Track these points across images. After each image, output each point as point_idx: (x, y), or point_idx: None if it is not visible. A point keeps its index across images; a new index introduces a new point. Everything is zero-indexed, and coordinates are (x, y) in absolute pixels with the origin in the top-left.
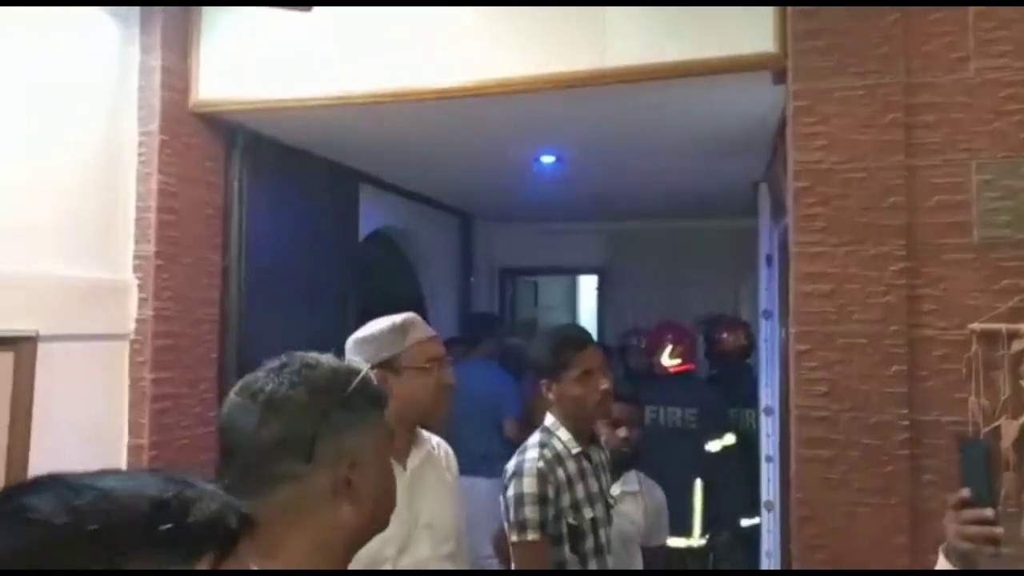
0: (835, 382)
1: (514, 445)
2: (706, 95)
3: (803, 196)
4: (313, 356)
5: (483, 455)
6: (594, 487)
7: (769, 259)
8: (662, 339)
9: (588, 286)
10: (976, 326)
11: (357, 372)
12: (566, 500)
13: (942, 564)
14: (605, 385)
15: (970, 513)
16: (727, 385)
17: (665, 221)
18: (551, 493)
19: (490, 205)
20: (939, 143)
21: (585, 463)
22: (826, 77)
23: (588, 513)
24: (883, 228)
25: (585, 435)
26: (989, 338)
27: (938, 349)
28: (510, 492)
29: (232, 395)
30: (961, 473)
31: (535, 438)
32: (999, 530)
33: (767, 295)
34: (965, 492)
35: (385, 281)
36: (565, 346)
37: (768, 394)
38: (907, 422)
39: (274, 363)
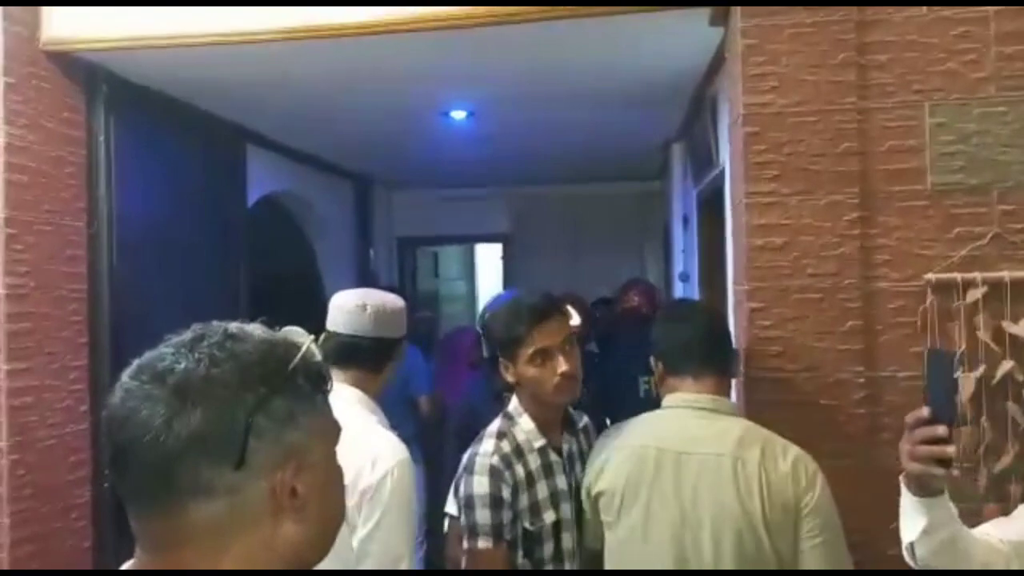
0: (789, 341)
1: (431, 425)
2: (632, 37)
3: (753, 142)
4: (237, 325)
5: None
6: (561, 484)
7: (686, 220)
8: (627, 297)
9: (488, 255)
10: (931, 276)
11: (298, 345)
12: (524, 501)
13: (904, 495)
14: (564, 368)
15: (920, 432)
16: (632, 351)
17: (569, 186)
18: (506, 493)
19: (389, 170)
20: (892, 84)
21: (553, 456)
22: (775, 12)
23: (550, 516)
24: (836, 175)
25: (553, 423)
26: (944, 288)
27: (893, 301)
28: (460, 491)
29: (126, 379)
30: (926, 388)
31: (494, 426)
32: (950, 449)
33: (684, 257)
34: (924, 411)
35: (277, 252)
36: (519, 317)
37: None
38: (863, 379)
39: (185, 335)
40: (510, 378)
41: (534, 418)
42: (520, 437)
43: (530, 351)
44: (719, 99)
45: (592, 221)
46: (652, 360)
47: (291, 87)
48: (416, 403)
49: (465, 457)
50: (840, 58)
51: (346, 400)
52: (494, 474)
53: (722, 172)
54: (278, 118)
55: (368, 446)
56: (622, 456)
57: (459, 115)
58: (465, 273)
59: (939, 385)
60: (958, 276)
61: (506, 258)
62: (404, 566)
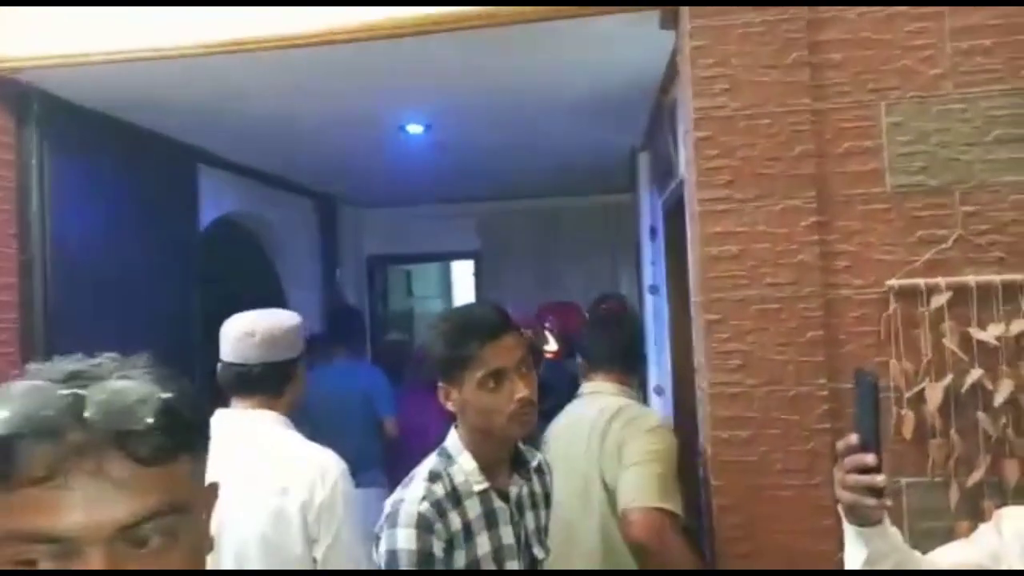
0: (749, 354)
1: (395, 448)
2: (583, 42)
3: (705, 147)
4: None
5: (361, 463)
6: (507, 537)
7: (653, 231)
8: (541, 324)
9: (464, 272)
10: (893, 282)
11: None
12: (460, 558)
13: (845, 525)
14: (522, 393)
15: (850, 460)
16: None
17: (539, 200)
18: (438, 549)
19: (353, 187)
20: (846, 83)
21: (497, 503)
22: (724, 12)
23: None
24: (792, 179)
25: (499, 461)
26: (907, 295)
27: (854, 310)
28: (381, 546)
29: None
30: (854, 412)
31: (426, 466)
32: (880, 478)
33: (653, 269)
34: (853, 438)
35: (236, 275)
36: (466, 335)
37: (658, 374)
38: (826, 392)
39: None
40: (451, 406)
41: (477, 456)
42: (458, 479)
43: (479, 373)
44: (676, 106)
45: (564, 235)
46: (579, 359)
47: (240, 103)
48: (381, 425)
49: (388, 504)
50: (792, 58)
51: (266, 422)
52: (423, 525)
53: (682, 182)
54: (230, 136)
55: (312, 461)
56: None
57: (415, 129)
58: (441, 291)
59: (865, 410)
60: (921, 282)
61: (478, 275)
62: (365, 566)
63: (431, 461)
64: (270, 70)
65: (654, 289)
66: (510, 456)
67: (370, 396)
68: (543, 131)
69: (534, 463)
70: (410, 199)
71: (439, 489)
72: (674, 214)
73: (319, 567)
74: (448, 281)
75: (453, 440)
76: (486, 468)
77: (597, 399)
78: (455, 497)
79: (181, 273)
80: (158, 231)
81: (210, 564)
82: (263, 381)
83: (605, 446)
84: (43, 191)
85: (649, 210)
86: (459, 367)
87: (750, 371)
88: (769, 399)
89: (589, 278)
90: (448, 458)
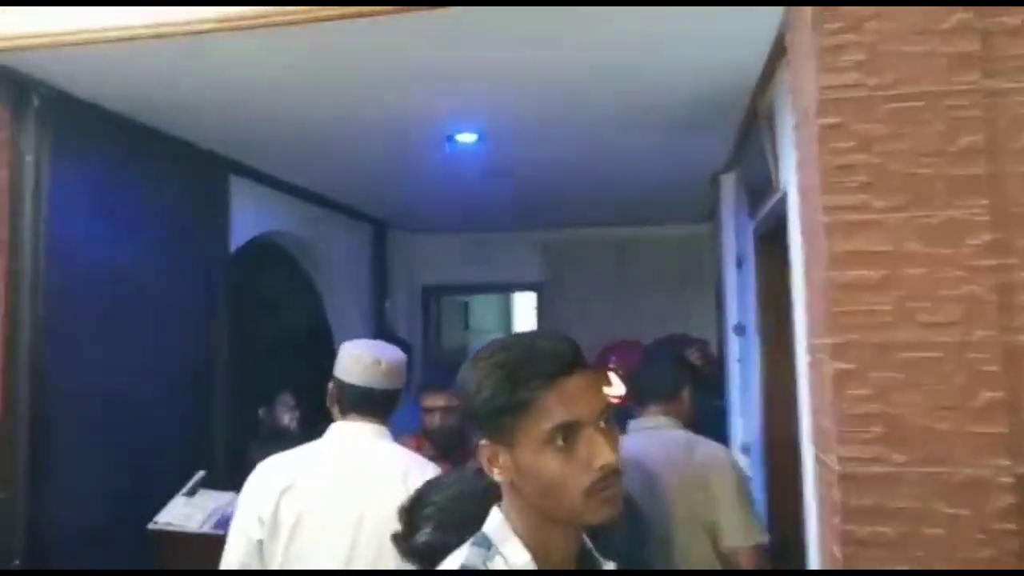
0: (897, 420)
1: None
2: (661, 39)
3: (833, 138)
4: None
5: None
6: None
7: (740, 261)
8: (605, 365)
9: (526, 305)
10: None
11: None
12: None
13: None
14: (605, 458)
15: None
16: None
17: (608, 229)
18: None
19: (403, 209)
20: None
21: None
22: None
23: None
24: (954, 182)
25: (562, 557)
26: None
27: None
28: None
29: None
30: None
31: (456, 559)
32: None
33: (738, 305)
34: None
35: (273, 302)
36: (523, 372)
37: (744, 429)
38: (1009, 478)
39: None
40: (497, 475)
41: (532, 546)
42: None
43: (543, 427)
44: (776, 107)
45: (634, 268)
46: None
47: (273, 107)
48: None
49: None
50: (954, 20)
51: (383, 435)
52: None
53: (784, 197)
54: (264, 145)
55: (427, 467)
56: None
57: (467, 139)
58: (501, 325)
59: None
60: None
61: (541, 308)
62: None
63: (463, 553)
64: (304, 64)
65: (740, 329)
66: (577, 550)
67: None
68: (614, 149)
69: (607, 568)
70: (467, 225)
71: None
72: (769, 239)
73: None
74: (508, 314)
75: (496, 523)
76: (545, 563)
77: (658, 433)
78: None
79: (205, 297)
80: (179, 248)
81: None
82: (384, 404)
83: (692, 479)
84: (39, 194)
85: (735, 238)
86: (511, 417)
87: (898, 444)
88: (927, 485)
89: (660, 316)
90: (488, 548)
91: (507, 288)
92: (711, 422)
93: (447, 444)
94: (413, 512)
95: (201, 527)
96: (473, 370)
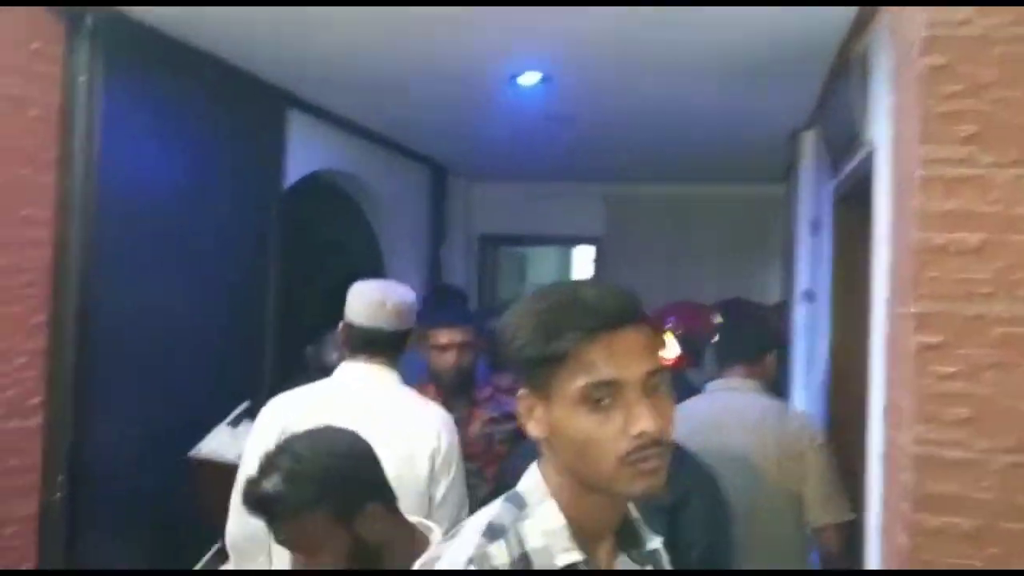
0: (986, 401)
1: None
2: None
3: (938, 80)
4: None
5: None
6: None
7: (815, 225)
8: (661, 325)
9: (585, 259)
10: None
11: None
12: None
13: None
14: (645, 424)
15: None
16: None
17: (675, 185)
18: None
19: (464, 154)
20: None
21: None
22: None
23: None
24: None
25: (603, 525)
26: None
27: None
28: None
29: None
30: None
31: (485, 515)
32: None
33: (810, 271)
34: None
35: (326, 240)
36: (564, 319)
37: (807, 401)
38: None
39: None
40: (534, 429)
41: (569, 510)
42: (532, 542)
43: (580, 383)
44: (871, 54)
45: (700, 227)
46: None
47: (335, 39)
48: None
49: (418, 564)
50: None
51: (391, 378)
52: None
53: (871, 154)
54: (324, 80)
55: (433, 413)
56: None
57: (530, 79)
58: (559, 278)
59: None
60: None
61: (598, 263)
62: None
63: (493, 509)
64: None
65: (809, 295)
66: (620, 518)
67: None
68: (686, 98)
69: (650, 546)
70: (528, 174)
71: (498, 552)
72: (849, 201)
73: (436, 505)
74: (567, 268)
75: (533, 482)
76: (580, 531)
77: (742, 396)
78: (524, 566)
79: (258, 230)
80: (232, 180)
81: None
82: (389, 345)
83: (783, 449)
84: (91, 116)
85: (811, 200)
86: (547, 369)
87: (985, 428)
88: (1012, 476)
89: (724, 278)
90: (521, 508)
91: (566, 241)
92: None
93: (458, 387)
94: (271, 457)
95: (240, 458)
96: (514, 315)
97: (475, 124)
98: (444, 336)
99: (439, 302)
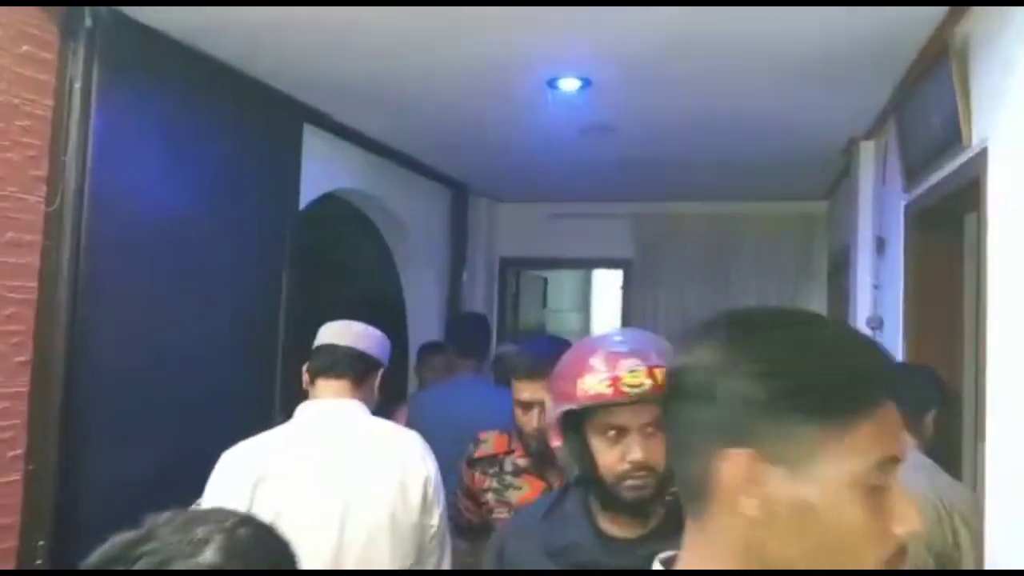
0: None
1: None
2: None
3: None
4: None
5: None
6: None
7: (881, 244)
8: None
9: (606, 284)
10: None
11: None
12: None
13: None
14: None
15: None
16: None
17: (712, 203)
18: None
19: (490, 173)
20: None
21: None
22: None
23: None
24: None
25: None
26: None
27: None
28: None
29: None
30: None
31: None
32: None
33: (874, 295)
34: None
35: (347, 264)
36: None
37: None
38: None
39: None
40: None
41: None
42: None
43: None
44: (974, 40)
45: (735, 249)
46: None
47: (355, 49)
48: None
49: None
50: None
51: (358, 409)
52: None
53: (982, 154)
54: (342, 92)
55: (413, 439)
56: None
57: (570, 85)
58: (579, 304)
59: None
60: None
61: (627, 288)
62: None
63: None
64: None
65: (876, 322)
66: None
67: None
68: (737, 106)
69: None
70: (554, 193)
71: None
72: (931, 215)
73: (433, 532)
74: (587, 293)
75: None
76: None
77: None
78: None
79: (269, 256)
80: (242, 200)
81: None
82: (350, 363)
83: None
84: (85, 127)
85: (875, 216)
86: None
87: None
88: None
89: (766, 304)
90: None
91: (592, 264)
92: None
93: (546, 456)
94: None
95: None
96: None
97: (503, 140)
98: (526, 390)
99: (465, 331)
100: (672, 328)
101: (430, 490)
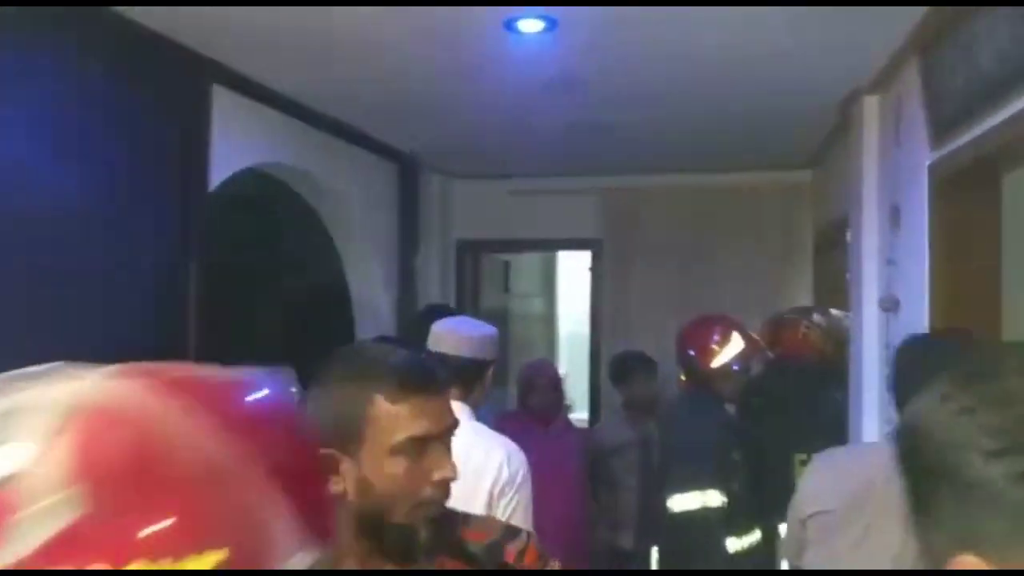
0: None
1: None
2: None
3: None
4: None
5: None
6: None
7: (895, 213)
8: (707, 339)
9: (572, 267)
10: None
11: None
12: None
13: None
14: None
15: None
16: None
17: (686, 175)
18: None
19: (440, 142)
20: None
21: None
22: None
23: None
24: None
25: None
26: None
27: None
28: None
29: None
30: None
31: None
32: None
33: (887, 272)
34: None
35: (279, 252)
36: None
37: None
38: None
39: None
40: None
41: None
42: None
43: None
44: None
45: (713, 224)
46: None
47: None
48: None
49: None
50: None
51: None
52: None
53: None
54: (261, 46)
55: (498, 446)
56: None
57: (531, 27)
58: (543, 288)
59: None
60: None
61: (595, 271)
62: None
63: None
64: None
65: (891, 304)
66: None
67: None
68: (721, 56)
69: None
70: (514, 168)
71: None
72: (967, 178)
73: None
74: (552, 276)
75: None
76: None
77: None
78: None
79: (169, 244)
80: (135, 180)
81: None
82: (459, 374)
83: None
84: None
85: (884, 181)
86: None
87: None
88: None
89: (743, 283)
90: None
91: (557, 245)
92: (824, 421)
93: None
94: None
95: None
96: None
97: (453, 99)
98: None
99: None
100: (645, 311)
101: (496, 491)
